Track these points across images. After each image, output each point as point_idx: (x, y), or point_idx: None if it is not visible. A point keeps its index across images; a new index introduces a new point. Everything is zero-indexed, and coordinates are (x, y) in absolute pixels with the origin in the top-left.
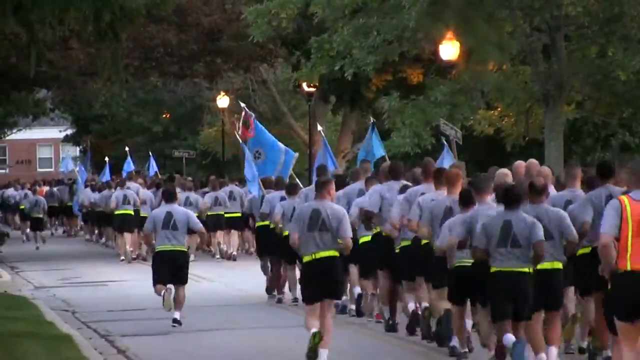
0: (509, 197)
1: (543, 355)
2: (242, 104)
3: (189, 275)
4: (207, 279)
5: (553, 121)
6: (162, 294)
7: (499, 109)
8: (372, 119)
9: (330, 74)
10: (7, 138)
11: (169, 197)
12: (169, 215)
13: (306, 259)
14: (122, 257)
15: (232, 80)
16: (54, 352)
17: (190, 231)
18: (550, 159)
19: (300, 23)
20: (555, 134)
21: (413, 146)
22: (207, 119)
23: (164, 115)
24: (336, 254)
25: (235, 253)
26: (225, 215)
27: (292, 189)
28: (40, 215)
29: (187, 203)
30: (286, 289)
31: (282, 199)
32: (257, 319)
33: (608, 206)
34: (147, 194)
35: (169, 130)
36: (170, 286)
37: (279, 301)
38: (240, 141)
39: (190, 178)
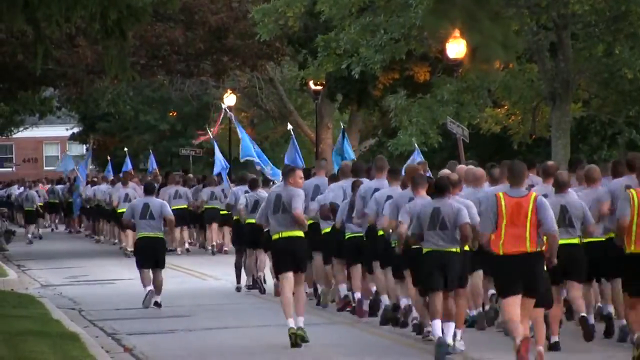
0: (438, 187)
1: (452, 323)
2: (225, 106)
3: (196, 274)
4: (213, 277)
5: (560, 119)
6: (147, 292)
7: (506, 107)
8: (342, 125)
9: (337, 72)
10: (14, 136)
11: (148, 190)
12: (146, 206)
13: (275, 237)
14: (127, 246)
15: (238, 78)
16: (60, 350)
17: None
18: (557, 157)
19: (307, 21)
20: (562, 132)
21: (420, 144)
22: (214, 117)
23: (171, 113)
24: (301, 234)
25: (227, 248)
26: (220, 212)
27: (254, 184)
28: (32, 208)
29: (177, 196)
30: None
31: (247, 192)
32: (264, 317)
33: (485, 206)
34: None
35: (175, 128)
36: (151, 288)
37: (238, 289)
38: (211, 136)
39: (191, 175)
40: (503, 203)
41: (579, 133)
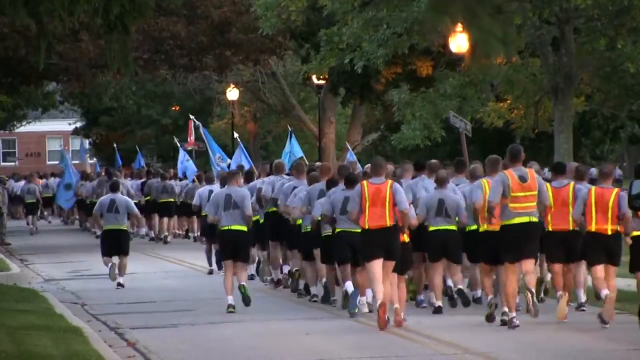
0: (348, 180)
1: (364, 298)
2: (192, 116)
3: (199, 268)
4: (216, 271)
5: (562, 113)
6: (109, 266)
7: (509, 101)
8: (289, 128)
9: (340, 66)
10: (17, 130)
11: (113, 187)
12: (112, 201)
13: (223, 229)
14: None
15: (241, 72)
16: (63, 344)
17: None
18: (560, 151)
19: (310, 16)
20: (564, 126)
21: (423, 138)
22: (217, 111)
23: (174, 108)
24: (245, 228)
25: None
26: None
27: (224, 182)
28: (34, 200)
29: (164, 191)
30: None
31: (210, 192)
32: (267, 311)
33: (354, 189)
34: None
35: (178, 122)
36: (116, 262)
37: (210, 272)
38: (181, 144)
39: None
40: (366, 189)
41: (581, 127)
